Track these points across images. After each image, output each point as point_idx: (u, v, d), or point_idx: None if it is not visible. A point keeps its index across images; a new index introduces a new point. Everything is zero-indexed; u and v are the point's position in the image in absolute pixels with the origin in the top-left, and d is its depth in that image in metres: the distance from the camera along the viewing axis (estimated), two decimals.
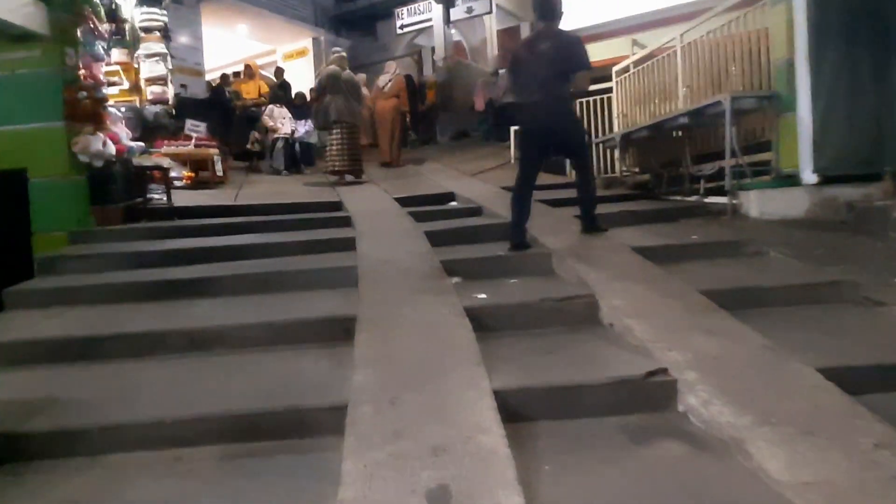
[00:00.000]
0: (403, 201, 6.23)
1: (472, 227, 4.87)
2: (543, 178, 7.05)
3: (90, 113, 4.96)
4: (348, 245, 4.37)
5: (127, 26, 7.36)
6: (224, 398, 2.32)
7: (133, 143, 5.61)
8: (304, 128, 8.68)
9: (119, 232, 4.94)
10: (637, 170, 7.17)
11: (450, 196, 6.56)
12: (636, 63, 7.24)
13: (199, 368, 2.68)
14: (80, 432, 2.06)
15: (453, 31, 13.72)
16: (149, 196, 5.75)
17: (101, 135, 4.96)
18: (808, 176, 4.67)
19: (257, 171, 8.58)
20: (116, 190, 5.22)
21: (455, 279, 3.65)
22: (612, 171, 7.70)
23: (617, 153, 7.44)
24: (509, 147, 9.39)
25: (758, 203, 4.79)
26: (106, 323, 3.15)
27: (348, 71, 8.50)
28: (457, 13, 12.91)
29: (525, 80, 4.09)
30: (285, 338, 2.91)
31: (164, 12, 7.42)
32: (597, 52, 9.02)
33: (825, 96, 4.51)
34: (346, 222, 5.23)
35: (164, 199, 5.94)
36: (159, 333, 2.91)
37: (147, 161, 5.50)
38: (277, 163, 8.31)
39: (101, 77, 5.17)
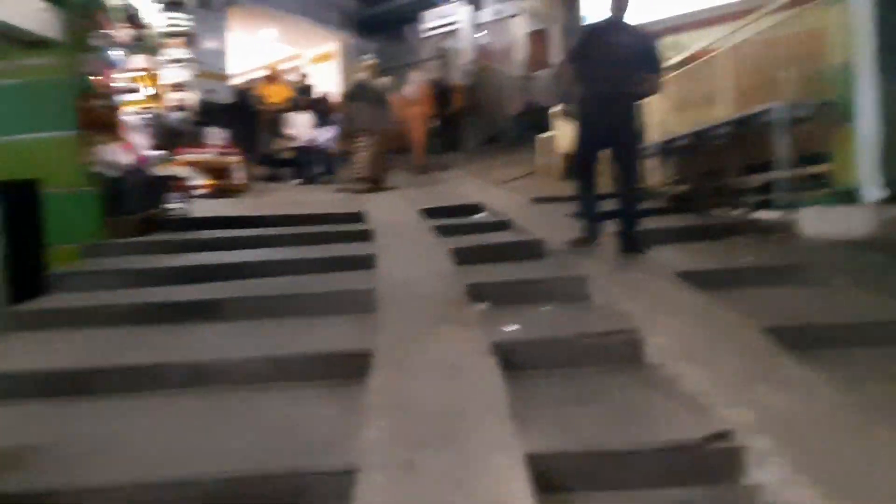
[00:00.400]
0: (428, 213, 5.95)
1: (501, 244, 4.54)
2: (564, 189, 6.77)
3: (105, 121, 4.79)
4: (368, 263, 4.10)
5: (149, 32, 7.26)
6: (218, 452, 2.05)
7: (152, 152, 5.43)
8: (326, 135, 8.47)
9: (132, 245, 4.75)
10: (674, 181, 6.77)
11: (476, 207, 6.25)
12: (675, 66, 6.83)
13: (196, 410, 2.41)
14: (49, 494, 1.80)
15: (481, 33, 13.41)
16: (165, 206, 5.57)
17: (116, 144, 4.79)
18: (872, 192, 4.23)
19: (281, 179, 8.41)
20: (132, 200, 5.04)
21: (482, 305, 3.35)
22: (645, 182, 7.29)
23: (652, 163, 7.05)
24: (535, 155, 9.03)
25: (814, 221, 4.37)
26: (104, 352, 2.93)
27: (380, 78, 8.35)
28: (484, 15, 12.58)
29: (592, 71, 3.89)
30: (292, 374, 2.64)
31: (190, 16, 7.28)
32: None
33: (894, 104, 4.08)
34: (367, 236, 4.96)
35: (183, 208, 5.76)
36: (157, 367, 2.67)
37: (163, 171, 5.32)
38: (303, 173, 8.06)
39: (117, 84, 4.98)
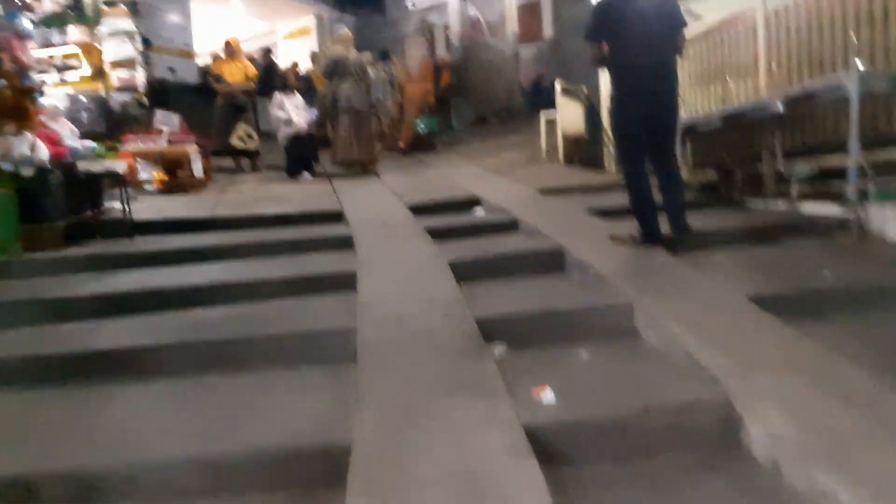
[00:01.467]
0: (417, 209, 5.09)
1: (511, 255, 3.68)
2: (575, 177, 5.91)
3: (13, 107, 3.83)
4: (347, 283, 3.23)
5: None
6: None
7: (81, 143, 4.48)
8: (309, 115, 7.51)
9: (52, 262, 3.82)
10: (695, 165, 5.93)
11: (474, 201, 5.38)
12: (698, 37, 5.96)
13: None
14: None
15: (469, 6, 12.37)
16: (102, 208, 4.64)
17: (28, 135, 3.83)
18: None
19: (250, 170, 7.42)
20: (55, 204, 4.10)
21: (497, 348, 2.51)
22: None
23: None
24: (538, 135, 8.16)
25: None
26: None
27: (355, 52, 7.43)
28: None
29: (625, 41, 3.42)
30: (233, 486, 1.78)
31: None
32: None
33: None
34: (346, 242, 4.07)
35: (125, 209, 4.82)
36: (31, 481, 1.78)
37: (96, 165, 4.37)
38: (293, 166, 7.04)
39: (30, 60, 4.01)
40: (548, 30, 15.44)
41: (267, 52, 7.71)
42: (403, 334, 2.54)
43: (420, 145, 9.32)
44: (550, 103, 7.94)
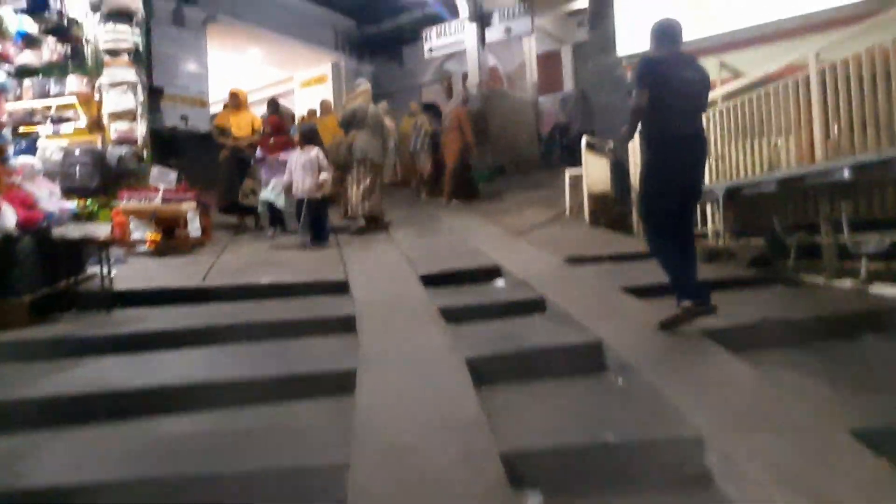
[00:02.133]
0: (431, 279, 4.57)
1: (539, 349, 3.11)
2: (604, 242, 5.37)
3: None
4: (344, 385, 2.69)
5: (88, 48, 5.93)
6: None
7: (60, 206, 4.05)
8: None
9: (10, 346, 3.31)
10: (735, 231, 5.36)
11: (494, 271, 4.85)
12: (737, 90, 5.50)
13: None
14: None
15: (488, 55, 12.14)
16: (81, 276, 4.17)
17: None
18: None
19: (255, 228, 6.95)
20: (22, 276, 3.63)
21: (532, 499, 1.93)
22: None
23: (711, 209, 5.68)
24: (562, 191, 7.68)
25: None
26: None
27: (374, 106, 7.22)
28: (493, 34, 11.32)
29: (669, 107, 3.29)
30: None
31: (136, 31, 5.94)
32: None
33: None
34: (349, 325, 3.54)
35: (108, 276, 4.36)
36: None
37: (75, 231, 3.91)
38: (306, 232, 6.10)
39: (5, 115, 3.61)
40: (568, 80, 15.22)
41: (273, 102, 7.33)
42: (409, 478, 1.97)
43: (463, 194, 9.02)
44: (571, 153, 7.55)
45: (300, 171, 5.92)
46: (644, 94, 3.23)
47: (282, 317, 3.70)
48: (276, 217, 6.66)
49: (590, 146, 7.00)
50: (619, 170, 7.07)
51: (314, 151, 6.06)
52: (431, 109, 10.86)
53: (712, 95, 5.98)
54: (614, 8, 7.40)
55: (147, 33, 10.16)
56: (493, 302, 4.05)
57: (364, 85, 7.46)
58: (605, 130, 7.56)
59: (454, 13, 11.70)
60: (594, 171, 7.07)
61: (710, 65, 6.98)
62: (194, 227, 5.45)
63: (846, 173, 3.81)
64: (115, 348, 3.29)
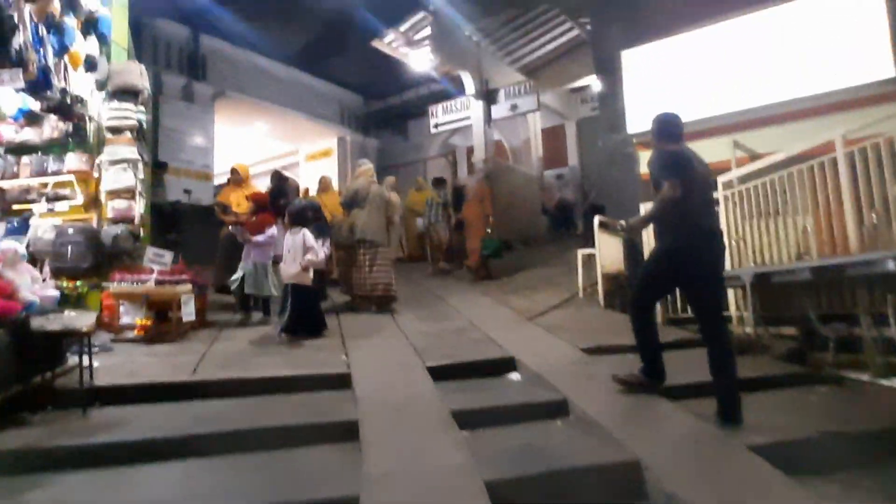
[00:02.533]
0: (440, 372, 4.21)
1: (569, 470, 2.71)
2: (623, 329, 5.01)
3: None
4: None
5: (91, 126, 5.81)
6: None
7: (38, 296, 3.75)
8: (320, 251, 6.69)
9: None
10: (760, 320, 5.02)
11: (507, 362, 4.49)
12: (760, 171, 5.30)
13: None
14: None
15: (493, 130, 12.20)
16: (60, 370, 3.81)
17: None
18: None
19: (256, 308, 6.56)
20: None
21: None
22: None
23: (736, 295, 5.36)
24: (573, 267, 7.40)
25: None
26: None
27: (377, 185, 7.14)
28: (499, 111, 11.41)
29: (695, 203, 3.36)
30: None
31: (141, 108, 5.84)
32: None
33: None
34: (350, 432, 3.15)
35: (88, 368, 4.00)
36: None
37: (54, 322, 3.60)
38: (289, 324, 5.32)
39: None
40: (572, 155, 15.31)
41: (277, 175, 7.16)
42: None
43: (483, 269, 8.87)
44: (575, 227, 7.35)
45: (286, 254, 5.43)
46: (677, 186, 3.24)
47: (274, 422, 3.31)
48: (246, 303, 6.15)
49: (602, 225, 6.77)
50: (634, 250, 6.83)
51: (301, 234, 5.42)
52: (441, 183, 10.85)
53: (728, 176, 5.86)
54: (623, 87, 7.39)
55: (155, 108, 10.28)
56: (511, 403, 3.66)
57: (366, 165, 7.37)
58: (614, 207, 7.36)
59: (460, 90, 11.84)
60: (607, 251, 6.82)
61: (722, 144, 6.94)
62: (188, 311, 5.13)
63: (891, 265, 3.53)
64: (83, 462, 2.91)
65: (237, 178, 6.70)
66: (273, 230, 5.84)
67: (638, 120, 7.29)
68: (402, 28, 10.93)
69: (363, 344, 5.08)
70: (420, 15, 10.76)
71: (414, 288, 8.22)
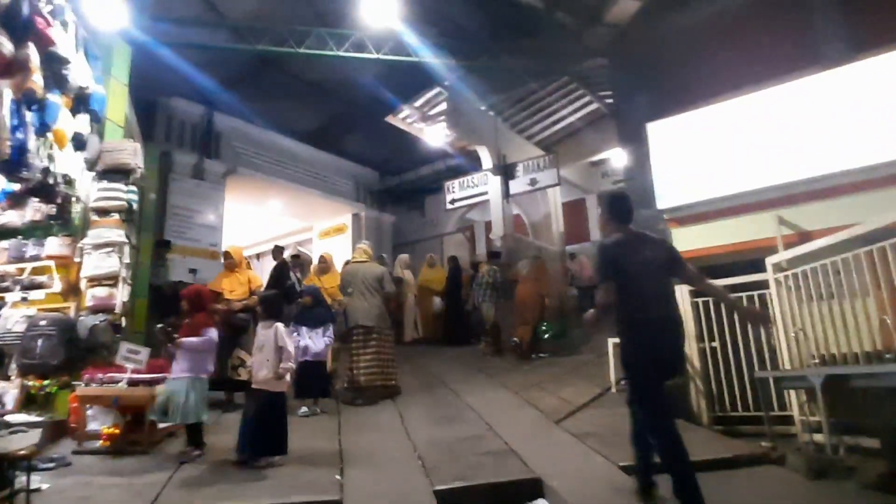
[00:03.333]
0: (452, 497, 3.47)
1: None
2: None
3: None
4: None
5: (77, 207, 5.41)
6: None
7: None
8: (321, 340, 6.01)
9: None
10: (835, 427, 4.19)
11: (533, 486, 3.71)
12: (821, 251, 4.62)
13: None
14: None
15: (512, 204, 11.75)
16: (2, 495, 3.16)
17: None
18: None
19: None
20: None
21: None
22: (787, 422, 4.77)
23: (798, 398, 4.57)
24: (602, 353, 6.67)
25: None
26: None
27: (373, 264, 6.68)
28: (517, 185, 10.98)
29: (634, 297, 3.21)
30: None
31: (132, 189, 5.44)
32: (721, 235, 6.57)
33: None
34: None
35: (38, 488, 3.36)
36: None
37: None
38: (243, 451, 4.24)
39: None
40: (594, 229, 14.76)
41: (279, 252, 6.55)
42: None
43: (533, 349, 8.34)
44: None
45: (256, 353, 4.44)
46: (609, 289, 3.18)
47: None
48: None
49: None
50: None
51: (272, 329, 4.40)
52: (496, 257, 10.31)
53: (778, 257, 5.20)
54: (651, 161, 6.88)
55: (164, 186, 10.05)
56: None
57: (362, 244, 6.87)
58: None
59: (477, 165, 11.51)
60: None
61: (764, 220, 6.31)
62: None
63: None
64: None
65: (230, 263, 6.13)
66: (212, 333, 4.49)
67: (669, 195, 6.74)
68: (417, 103, 10.75)
69: (361, 456, 4.35)
70: (435, 90, 10.59)
71: (423, 377, 7.47)
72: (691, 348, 5.40)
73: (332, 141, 13.04)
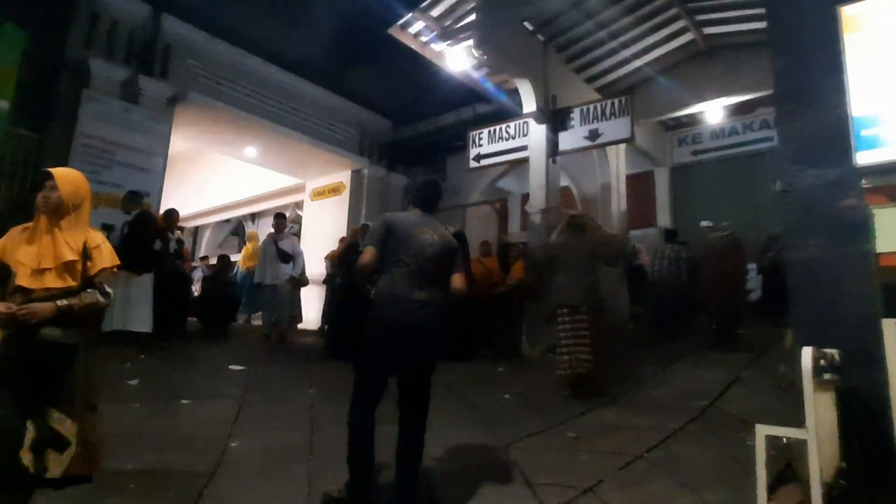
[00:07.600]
0: None
1: None
2: None
3: None
4: None
5: None
6: None
7: None
8: None
9: None
10: None
11: None
12: None
13: None
14: None
15: (559, 171, 8.57)
16: None
17: None
18: None
19: None
20: None
21: None
22: None
23: None
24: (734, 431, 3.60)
25: None
26: None
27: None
28: (570, 139, 7.80)
29: (402, 273, 3.06)
30: None
31: None
32: None
33: None
34: None
35: None
36: None
37: None
38: None
39: None
40: (663, 212, 11.47)
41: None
42: None
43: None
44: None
45: None
46: (370, 252, 3.03)
47: None
48: None
49: (820, 367, 2.97)
50: (864, 410, 3.12)
51: None
52: (672, 237, 7.72)
53: None
54: (844, 77, 3.65)
55: (73, 108, 7.28)
56: None
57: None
58: (823, 315, 3.54)
59: (515, 109, 8.38)
60: (825, 425, 2.98)
61: None
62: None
63: None
64: None
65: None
66: None
67: (878, 143, 3.54)
68: (435, 12, 7.62)
69: None
70: None
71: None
72: None
73: (330, 73, 10.03)
